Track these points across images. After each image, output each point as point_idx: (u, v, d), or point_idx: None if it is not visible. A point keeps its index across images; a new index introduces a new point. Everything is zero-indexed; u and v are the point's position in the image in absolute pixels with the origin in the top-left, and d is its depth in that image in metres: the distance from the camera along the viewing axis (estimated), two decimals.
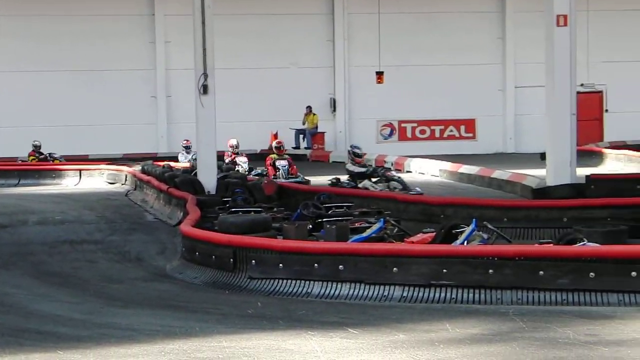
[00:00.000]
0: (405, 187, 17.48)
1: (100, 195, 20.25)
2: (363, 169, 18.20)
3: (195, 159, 18.72)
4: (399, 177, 18.37)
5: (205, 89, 16.71)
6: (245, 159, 21.66)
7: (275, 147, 20.39)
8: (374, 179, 17.78)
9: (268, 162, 19.91)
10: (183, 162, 23.52)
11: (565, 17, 16.79)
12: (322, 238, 11.05)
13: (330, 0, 30.80)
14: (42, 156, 25.51)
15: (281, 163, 19.63)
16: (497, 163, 24.36)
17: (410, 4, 30.95)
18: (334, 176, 18.58)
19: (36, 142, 25.65)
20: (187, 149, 24.98)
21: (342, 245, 10.12)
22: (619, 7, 31.81)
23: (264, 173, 19.74)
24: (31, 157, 25.61)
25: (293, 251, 9.88)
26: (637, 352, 7.03)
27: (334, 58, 30.93)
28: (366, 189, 17.19)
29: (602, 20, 31.60)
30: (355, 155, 18.43)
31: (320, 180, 19.80)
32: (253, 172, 20.35)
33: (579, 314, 8.44)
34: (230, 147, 21.96)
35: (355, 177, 17.98)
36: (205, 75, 16.67)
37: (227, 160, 21.52)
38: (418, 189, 17.69)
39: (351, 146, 19.40)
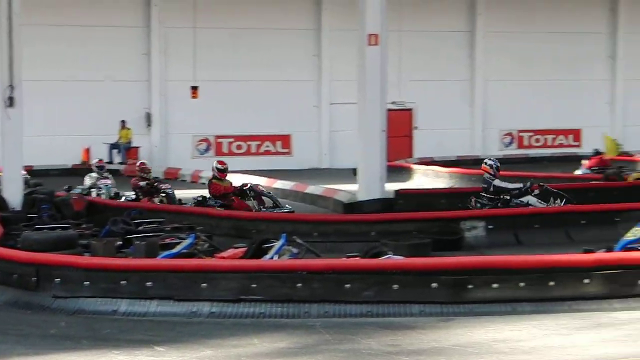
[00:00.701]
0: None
1: None
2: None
3: None
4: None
5: (11, 101, 16.11)
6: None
7: (220, 169, 17.36)
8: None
9: (219, 190, 16.95)
10: None
11: (376, 36, 17.18)
12: (131, 255, 10.87)
13: (147, 13, 30.36)
14: None
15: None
16: (311, 178, 24.70)
17: (226, 19, 30.93)
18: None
19: None
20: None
21: (149, 262, 9.99)
22: (429, 28, 32.93)
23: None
24: None
25: (99, 268, 9.65)
26: None
27: (149, 72, 30.51)
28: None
29: (413, 40, 32.63)
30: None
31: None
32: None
33: (382, 325, 8.66)
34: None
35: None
36: (12, 87, 16.09)
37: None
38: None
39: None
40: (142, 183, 17.78)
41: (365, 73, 17.25)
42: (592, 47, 35.10)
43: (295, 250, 10.29)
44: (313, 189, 20.70)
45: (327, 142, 32.20)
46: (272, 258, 10.04)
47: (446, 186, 23.02)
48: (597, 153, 27.54)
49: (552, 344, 7.90)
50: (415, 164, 28.04)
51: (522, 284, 9.10)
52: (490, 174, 16.27)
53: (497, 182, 16.19)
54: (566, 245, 13.27)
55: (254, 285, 9.20)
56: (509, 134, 34.82)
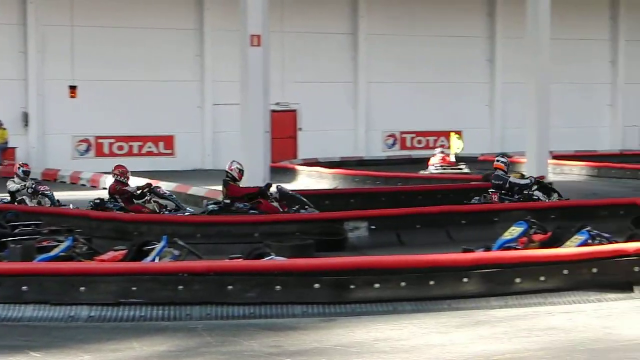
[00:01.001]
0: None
1: None
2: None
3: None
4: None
5: None
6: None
7: (241, 169, 16.28)
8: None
9: (239, 192, 15.88)
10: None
11: (259, 37, 17.17)
12: (6, 258, 10.53)
13: (22, 10, 29.47)
14: None
15: None
16: (195, 179, 24.47)
17: (106, 17, 30.33)
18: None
19: None
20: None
21: (25, 265, 9.68)
22: (313, 30, 33.10)
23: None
24: None
25: None
26: None
27: (26, 70, 29.66)
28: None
29: (296, 41, 32.77)
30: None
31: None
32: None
33: (265, 327, 8.63)
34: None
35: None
36: None
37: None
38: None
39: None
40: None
41: (248, 74, 17.23)
42: (472, 50, 35.91)
43: (176, 252, 10.16)
44: (196, 190, 20.50)
45: (210, 143, 31.96)
46: (153, 260, 9.88)
47: (330, 187, 23.17)
48: (442, 152, 28.32)
49: (432, 342, 8.01)
50: (300, 165, 28.11)
51: (403, 284, 9.21)
52: (504, 171, 17.08)
53: (512, 179, 16.93)
54: (447, 245, 13.50)
55: (134, 288, 9.04)
56: (392, 136, 35.28)
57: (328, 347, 7.87)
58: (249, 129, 17.35)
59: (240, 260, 9.85)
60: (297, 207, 15.62)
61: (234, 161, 16.55)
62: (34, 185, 17.10)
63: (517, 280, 9.44)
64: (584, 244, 10.52)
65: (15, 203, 16.50)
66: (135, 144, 31.41)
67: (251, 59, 17.15)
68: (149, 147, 31.60)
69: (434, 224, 14.63)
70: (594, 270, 9.69)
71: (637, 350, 7.73)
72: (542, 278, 9.52)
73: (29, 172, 17.79)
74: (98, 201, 16.41)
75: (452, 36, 35.37)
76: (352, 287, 9.14)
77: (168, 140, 31.77)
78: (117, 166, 16.86)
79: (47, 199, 16.86)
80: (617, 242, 10.78)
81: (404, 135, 35.46)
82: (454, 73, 35.56)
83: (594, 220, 13.57)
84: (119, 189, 16.21)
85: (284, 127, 32.27)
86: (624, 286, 9.75)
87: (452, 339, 8.13)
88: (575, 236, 10.75)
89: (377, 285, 9.17)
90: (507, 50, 35.39)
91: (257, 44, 17.13)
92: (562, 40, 33.79)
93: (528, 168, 21.39)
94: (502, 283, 9.42)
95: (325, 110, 33.50)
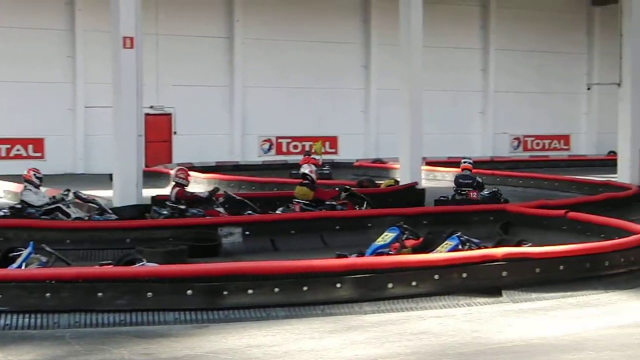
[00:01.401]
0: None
1: None
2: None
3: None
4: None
5: None
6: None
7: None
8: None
9: (329, 195, 16.57)
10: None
11: (131, 39, 16.87)
12: None
13: None
14: None
15: None
16: (66, 183, 23.85)
17: None
18: None
19: None
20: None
21: None
22: (188, 33, 32.82)
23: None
24: None
25: None
26: None
27: None
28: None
29: (171, 44, 32.44)
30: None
31: None
32: None
33: (135, 334, 8.46)
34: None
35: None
36: None
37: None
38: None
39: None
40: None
41: (121, 76, 16.90)
42: (347, 56, 36.26)
43: (44, 259, 9.89)
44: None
45: (82, 147, 31.28)
46: (19, 267, 9.58)
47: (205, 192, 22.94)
48: (307, 153, 28.67)
49: (305, 348, 8.01)
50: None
51: (276, 290, 9.18)
52: (470, 170, 19.28)
53: (478, 178, 19.18)
54: (321, 250, 13.56)
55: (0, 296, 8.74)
56: (268, 140, 35.27)
57: (200, 354, 7.78)
58: (122, 132, 17.01)
59: (110, 266, 9.64)
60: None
61: (309, 165, 17.44)
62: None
63: (390, 285, 9.53)
64: (454, 249, 10.73)
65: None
66: (3, 147, 30.46)
67: (124, 61, 16.82)
68: (18, 150, 30.68)
69: (308, 230, 14.66)
70: (464, 275, 9.86)
71: (504, 353, 7.90)
72: (413, 283, 9.63)
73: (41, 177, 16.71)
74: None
75: (328, 42, 35.66)
76: (225, 293, 9.06)
77: (38, 143, 30.92)
78: (180, 169, 16.58)
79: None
80: (486, 247, 11.03)
81: (280, 140, 35.51)
82: (330, 79, 35.85)
83: (465, 226, 13.91)
84: (189, 195, 15.87)
85: (158, 131, 31.88)
86: (492, 291, 9.96)
87: (324, 345, 8.15)
88: (446, 242, 10.97)
89: (250, 291, 9.10)
90: (382, 57, 35.87)
91: (130, 46, 16.82)
92: (435, 48, 34.49)
93: (402, 174, 21.71)
94: (375, 288, 9.49)
95: (201, 114, 33.27)
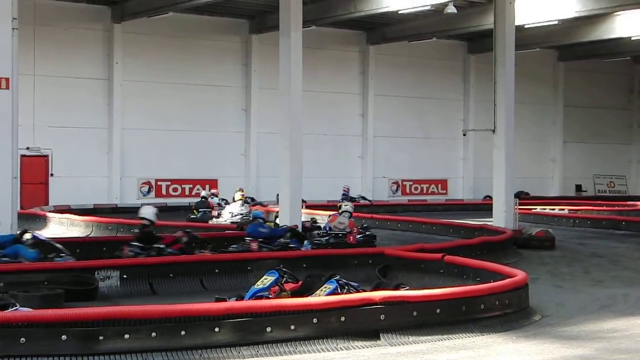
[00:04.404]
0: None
1: None
2: None
3: None
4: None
5: None
6: None
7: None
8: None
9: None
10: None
11: (7, 80, 16.61)
12: None
13: None
14: None
15: None
16: None
17: None
18: None
19: None
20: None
21: None
22: (66, 74, 32.36)
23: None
24: None
25: None
26: None
27: None
28: None
29: (48, 85, 31.94)
30: None
31: None
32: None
33: None
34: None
35: None
36: None
37: None
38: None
39: None
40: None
41: None
42: (228, 99, 36.37)
43: None
44: None
45: None
46: None
47: (82, 235, 22.56)
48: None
49: None
50: (51, 212, 27.20)
51: (153, 334, 9.05)
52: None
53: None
54: (200, 294, 13.48)
55: None
56: (147, 183, 34.89)
57: None
58: None
59: None
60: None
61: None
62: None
63: (268, 329, 9.51)
64: (333, 292, 10.80)
65: None
66: None
67: None
68: None
69: (187, 273, 14.55)
70: (342, 318, 9.93)
71: None
72: (292, 327, 9.64)
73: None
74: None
75: (208, 85, 35.71)
76: (101, 338, 8.88)
77: None
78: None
79: None
80: (364, 290, 11.15)
81: (159, 183, 35.19)
82: (210, 121, 35.85)
83: (345, 269, 14.06)
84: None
85: (34, 173, 31.21)
86: (370, 334, 10.06)
87: None
88: (325, 285, 11.02)
89: (127, 336, 8.94)
90: (263, 101, 36.13)
91: (6, 87, 16.53)
92: (315, 93, 34.98)
93: (282, 217, 21.78)
94: (254, 332, 9.46)
95: (79, 155, 32.78)
